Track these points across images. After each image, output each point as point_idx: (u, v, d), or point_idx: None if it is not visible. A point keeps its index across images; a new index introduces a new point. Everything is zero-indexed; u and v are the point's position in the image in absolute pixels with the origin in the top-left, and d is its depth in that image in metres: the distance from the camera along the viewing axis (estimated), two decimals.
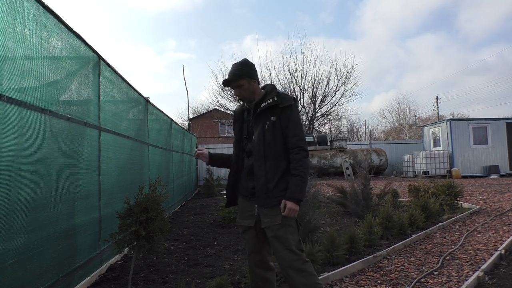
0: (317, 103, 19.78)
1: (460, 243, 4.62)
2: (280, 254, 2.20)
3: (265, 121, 2.31)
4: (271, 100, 2.31)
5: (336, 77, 19.16)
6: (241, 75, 2.35)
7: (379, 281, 3.38)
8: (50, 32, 2.75)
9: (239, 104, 2.74)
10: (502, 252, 4.03)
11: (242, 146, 2.45)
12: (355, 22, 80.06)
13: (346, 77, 19.09)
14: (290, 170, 2.27)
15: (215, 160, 2.61)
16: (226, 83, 2.39)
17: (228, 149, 18.52)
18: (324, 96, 19.60)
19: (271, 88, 2.43)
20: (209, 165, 2.64)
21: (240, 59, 2.47)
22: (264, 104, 2.32)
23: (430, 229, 5.28)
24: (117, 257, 4.32)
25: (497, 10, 77.20)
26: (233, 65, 2.42)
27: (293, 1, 76.33)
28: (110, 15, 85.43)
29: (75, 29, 3.10)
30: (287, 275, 2.21)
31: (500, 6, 74.28)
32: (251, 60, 2.45)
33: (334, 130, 30.32)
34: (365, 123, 44.31)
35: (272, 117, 2.30)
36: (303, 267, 2.20)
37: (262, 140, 2.28)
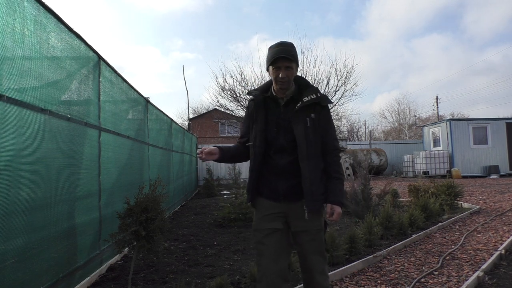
0: None
1: (460, 243, 4.62)
2: (312, 257, 2.10)
3: (305, 117, 2.09)
4: (314, 96, 2.10)
5: (336, 77, 19.14)
6: (295, 57, 2.08)
7: (379, 281, 3.38)
8: (50, 32, 2.75)
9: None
10: (502, 252, 4.03)
11: (266, 137, 2.16)
12: (361, 22, 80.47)
13: (346, 77, 19.07)
14: (331, 173, 2.13)
15: (226, 153, 2.24)
16: (277, 59, 2.03)
17: None
18: None
19: (306, 82, 2.22)
20: (219, 162, 2.26)
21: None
22: (306, 98, 2.09)
23: (430, 229, 5.27)
24: (117, 257, 4.33)
25: (502, 11, 77.26)
26: (281, 43, 2.09)
27: (302, 0, 76.73)
28: (119, 16, 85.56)
29: (75, 29, 3.10)
30: (312, 279, 2.11)
31: (504, 7, 74.37)
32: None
33: None
34: (365, 123, 44.31)
35: (312, 114, 2.10)
36: (326, 270, 2.16)
37: (304, 138, 2.07)
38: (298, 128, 2.08)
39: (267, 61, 2.11)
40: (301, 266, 2.18)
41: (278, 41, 2.14)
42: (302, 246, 2.11)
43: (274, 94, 2.18)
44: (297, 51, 2.12)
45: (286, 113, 2.14)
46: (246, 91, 16.78)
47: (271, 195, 2.15)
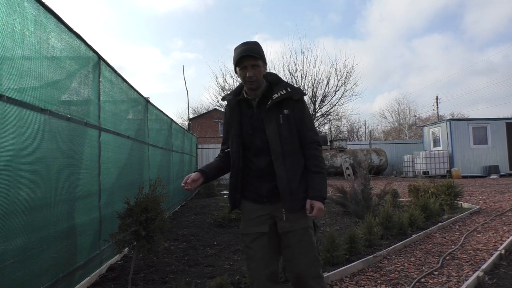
0: (317, 103, 19.79)
1: (460, 243, 4.62)
2: (303, 261, 1.99)
3: (277, 115, 2.03)
4: (284, 91, 2.03)
5: (336, 77, 19.20)
6: (260, 54, 2.01)
7: (379, 281, 3.38)
8: (50, 32, 2.75)
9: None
10: (502, 252, 4.03)
11: (243, 141, 2.12)
12: (361, 22, 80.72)
13: (346, 77, 19.13)
14: (310, 167, 2.05)
15: (210, 172, 2.20)
16: (241, 58, 1.98)
17: None
18: (324, 96, 19.62)
19: (277, 78, 2.15)
20: (208, 182, 2.19)
21: None
22: (276, 95, 2.03)
23: (430, 229, 5.27)
24: (117, 257, 4.33)
25: (502, 11, 77.43)
26: (245, 43, 2.03)
27: (302, 0, 76.94)
28: (119, 15, 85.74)
29: (75, 29, 3.10)
30: (306, 284, 1.99)
31: (504, 7, 74.49)
32: None
33: (334, 130, 30.31)
34: (365, 123, 44.43)
35: (284, 110, 2.04)
36: (321, 272, 2.04)
37: (277, 137, 2.01)
38: (270, 127, 2.03)
39: (233, 62, 2.04)
40: (291, 271, 2.04)
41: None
42: (291, 248, 2.02)
43: (246, 95, 2.12)
44: (263, 49, 2.07)
45: (259, 114, 2.08)
46: None
47: (254, 197, 2.11)
